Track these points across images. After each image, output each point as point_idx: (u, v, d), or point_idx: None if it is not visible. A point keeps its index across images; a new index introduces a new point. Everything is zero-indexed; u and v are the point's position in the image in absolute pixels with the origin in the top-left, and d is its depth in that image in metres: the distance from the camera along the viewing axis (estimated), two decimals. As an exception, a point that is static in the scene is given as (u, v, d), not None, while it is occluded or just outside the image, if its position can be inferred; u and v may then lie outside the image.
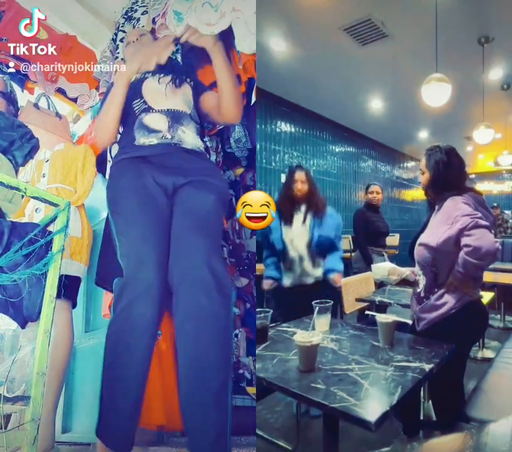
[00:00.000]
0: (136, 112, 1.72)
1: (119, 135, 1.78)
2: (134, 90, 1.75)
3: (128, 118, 1.73)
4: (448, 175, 1.62)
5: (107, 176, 1.87)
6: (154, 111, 1.70)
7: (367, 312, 1.59)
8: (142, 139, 1.68)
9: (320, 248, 2.25)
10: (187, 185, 1.63)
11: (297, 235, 2.25)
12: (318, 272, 2.26)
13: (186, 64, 2.37)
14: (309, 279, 2.26)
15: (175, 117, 1.69)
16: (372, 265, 1.98)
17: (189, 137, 1.70)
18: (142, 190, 1.60)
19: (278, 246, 2.25)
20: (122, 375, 1.46)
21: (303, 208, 2.26)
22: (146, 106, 1.71)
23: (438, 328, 1.56)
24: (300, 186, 2.26)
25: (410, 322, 1.55)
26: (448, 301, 1.55)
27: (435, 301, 1.57)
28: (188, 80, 1.83)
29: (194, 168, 1.66)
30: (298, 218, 2.26)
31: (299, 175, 2.27)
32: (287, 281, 2.27)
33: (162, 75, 1.79)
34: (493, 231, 1.49)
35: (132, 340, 1.47)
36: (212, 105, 1.76)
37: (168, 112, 1.70)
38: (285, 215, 2.25)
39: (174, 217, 1.60)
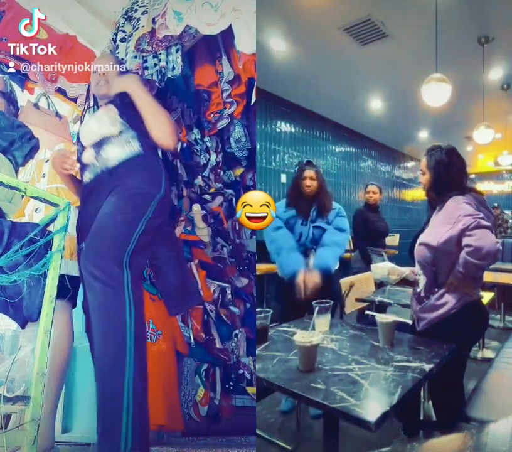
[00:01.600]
0: (79, 152, 1.95)
1: None
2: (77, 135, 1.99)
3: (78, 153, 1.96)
4: (450, 175, 1.62)
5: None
6: (85, 150, 1.90)
7: (367, 312, 1.59)
8: (84, 176, 1.91)
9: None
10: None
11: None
12: None
13: (186, 64, 2.38)
14: None
15: (98, 145, 1.86)
16: (372, 265, 1.98)
17: (112, 152, 1.83)
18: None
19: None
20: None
21: (310, 204, 2.23)
22: (82, 148, 1.93)
23: (438, 328, 1.56)
24: (309, 182, 2.22)
25: (410, 322, 1.55)
26: (449, 301, 1.54)
27: (435, 301, 1.57)
28: (113, 99, 1.95)
29: (114, 183, 1.78)
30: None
31: (309, 172, 2.23)
32: None
33: (94, 112, 2.02)
34: (494, 232, 1.49)
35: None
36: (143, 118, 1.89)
37: (93, 144, 1.88)
38: (299, 211, 2.22)
39: None
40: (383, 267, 1.82)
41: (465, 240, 1.46)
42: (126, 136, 1.85)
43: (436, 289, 1.59)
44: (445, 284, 1.56)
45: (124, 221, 1.68)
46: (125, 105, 1.90)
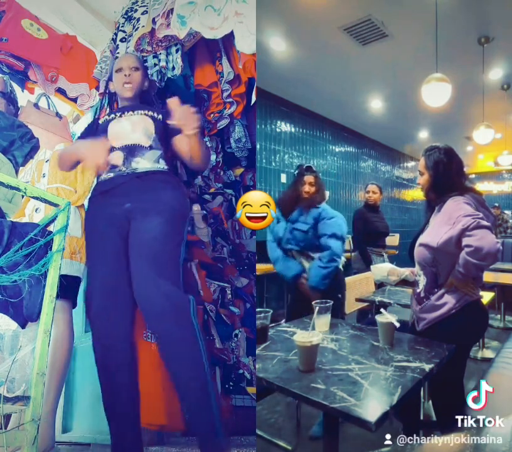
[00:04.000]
0: None
1: None
2: (104, 128, 1.94)
3: None
4: (449, 175, 1.62)
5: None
6: (114, 149, 1.87)
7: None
8: (103, 175, 1.89)
9: (305, 244, 2.23)
10: (136, 212, 1.79)
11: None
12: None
13: (186, 64, 2.38)
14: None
15: (131, 151, 1.86)
16: (371, 266, 1.98)
17: (143, 164, 1.86)
18: (98, 233, 1.83)
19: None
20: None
21: (297, 206, 2.26)
22: (109, 146, 1.89)
23: (438, 328, 1.56)
24: (308, 188, 2.24)
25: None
26: (449, 301, 1.54)
27: (435, 301, 1.57)
28: (155, 114, 1.96)
29: (143, 193, 1.80)
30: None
31: (308, 178, 2.24)
32: None
33: (126, 113, 1.96)
34: (494, 232, 1.49)
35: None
36: (182, 150, 1.90)
37: (125, 147, 1.87)
38: (284, 214, 2.26)
39: (130, 246, 1.77)
40: (382, 268, 1.82)
41: (465, 241, 1.45)
42: (155, 153, 1.88)
43: (436, 290, 1.58)
44: (445, 284, 1.56)
45: (174, 247, 1.76)
46: (162, 125, 1.92)
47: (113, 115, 1.98)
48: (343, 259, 2.27)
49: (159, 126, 1.93)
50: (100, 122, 2.01)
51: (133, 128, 1.90)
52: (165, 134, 1.92)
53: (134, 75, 1.99)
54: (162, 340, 1.68)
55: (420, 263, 1.62)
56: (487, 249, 1.42)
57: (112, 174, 1.86)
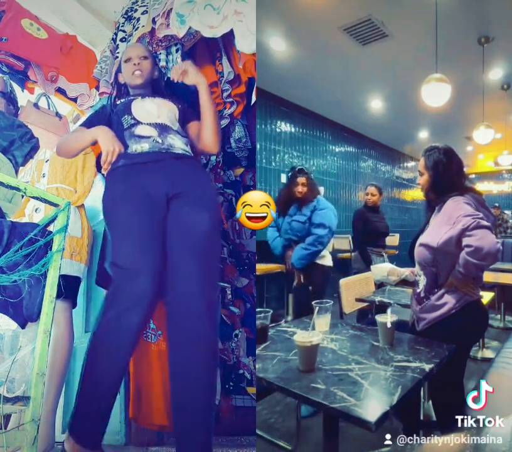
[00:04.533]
0: (125, 125, 1.82)
1: None
2: (124, 107, 1.86)
3: (118, 132, 1.81)
4: (449, 175, 1.62)
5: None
6: (143, 124, 1.80)
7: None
8: (134, 146, 1.75)
9: (301, 234, 2.58)
10: (180, 198, 1.68)
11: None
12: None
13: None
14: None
15: (163, 128, 1.80)
16: (371, 266, 1.98)
17: (178, 143, 1.79)
18: (135, 200, 1.66)
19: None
20: (100, 380, 1.55)
21: (293, 203, 2.63)
22: (135, 121, 1.81)
23: (438, 328, 1.56)
24: (301, 189, 2.58)
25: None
26: (449, 301, 1.54)
27: (435, 301, 1.57)
28: (177, 103, 1.94)
29: (187, 177, 1.72)
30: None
31: (301, 179, 2.58)
32: None
33: (150, 98, 1.90)
34: (494, 232, 1.49)
35: (115, 352, 1.56)
36: (194, 134, 1.88)
37: (156, 124, 1.80)
38: (281, 211, 2.62)
39: (170, 234, 1.64)
40: (382, 268, 1.81)
41: (465, 241, 1.45)
42: (182, 137, 1.83)
43: (436, 290, 1.58)
44: (445, 284, 1.56)
45: (220, 246, 1.76)
46: (182, 114, 1.90)
47: (132, 97, 1.90)
48: (328, 248, 2.67)
49: (180, 112, 1.89)
50: (118, 103, 1.91)
51: (160, 110, 1.84)
52: (183, 121, 1.89)
53: (144, 63, 1.93)
54: (184, 339, 1.56)
55: (420, 263, 1.62)
56: (487, 249, 1.42)
57: (146, 145, 1.74)
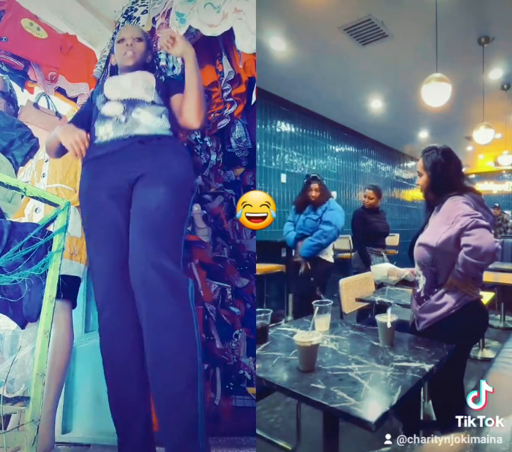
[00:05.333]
0: (98, 108, 1.77)
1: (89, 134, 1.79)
2: (99, 88, 1.83)
3: (93, 113, 1.79)
4: (447, 175, 1.62)
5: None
6: (110, 101, 1.74)
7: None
8: (100, 131, 1.70)
9: (313, 230, 3.04)
10: (139, 181, 1.61)
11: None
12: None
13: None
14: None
15: (130, 103, 1.72)
16: (371, 266, 1.98)
17: (147, 117, 1.70)
18: (94, 205, 1.64)
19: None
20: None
21: (308, 204, 3.11)
22: (104, 99, 1.76)
23: (438, 328, 1.56)
24: (314, 193, 3.07)
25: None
26: (448, 301, 1.54)
27: (435, 301, 1.57)
28: (158, 74, 1.87)
29: (148, 159, 1.64)
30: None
31: (314, 185, 3.07)
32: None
33: (128, 73, 1.84)
34: (493, 231, 1.48)
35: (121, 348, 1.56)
36: (177, 108, 1.79)
37: (123, 100, 1.73)
38: (299, 211, 3.15)
39: (131, 219, 1.59)
40: (382, 268, 1.81)
41: (464, 240, 1.45)
42: (158, 108, 1.74)
43: (436, 289, 1.58)
44: (445, 284, 1.56)
45: (178, 220, 1.58)
46: (164, 83, 1.82)
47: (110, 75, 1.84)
48: (332, 243, 3.10)
49: (160, 83, 1.81)
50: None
51: (133, 82, 1.76)
52: (166, 93, 1.80)
53: (137, 44, 1.86)
54: (151, 323, 1.44)
55: (420, 263, 1.62)
56: (485, 248, 1.42)
57: (110, 128, 1.68)
